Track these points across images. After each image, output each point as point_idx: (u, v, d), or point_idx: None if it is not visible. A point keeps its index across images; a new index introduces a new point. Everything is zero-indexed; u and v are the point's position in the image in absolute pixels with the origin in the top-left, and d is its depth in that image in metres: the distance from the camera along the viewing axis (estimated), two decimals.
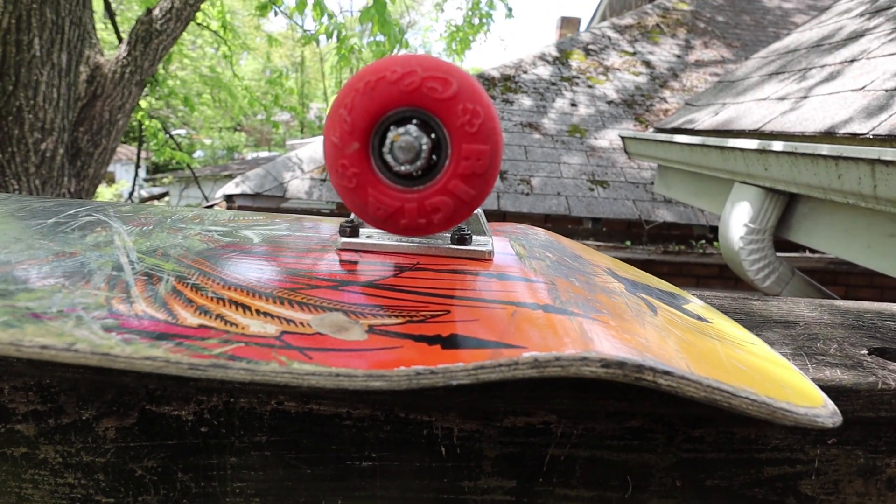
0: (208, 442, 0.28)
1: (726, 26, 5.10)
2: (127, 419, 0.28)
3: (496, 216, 3.01)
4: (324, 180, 3.07)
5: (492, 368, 0.21)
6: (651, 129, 2.55)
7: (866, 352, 0.38)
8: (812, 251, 2.84)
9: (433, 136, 0.22)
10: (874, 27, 1.72)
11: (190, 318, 0.23)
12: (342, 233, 0.35)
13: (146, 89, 2.63)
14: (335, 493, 0.29)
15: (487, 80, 4.11)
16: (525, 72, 4.29)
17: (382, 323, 0.24)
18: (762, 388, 0.24)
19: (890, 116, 1.13)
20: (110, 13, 2.88)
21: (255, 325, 0.22)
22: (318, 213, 2.90)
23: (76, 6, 1.87)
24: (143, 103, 3.76)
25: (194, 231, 0.35)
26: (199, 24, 3.53)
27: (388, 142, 0.22)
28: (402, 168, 0.22)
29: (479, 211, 0.36)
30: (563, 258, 0.37)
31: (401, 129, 0.22)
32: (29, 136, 1.81)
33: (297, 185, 3.02)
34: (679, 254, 2.98)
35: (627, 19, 5.06)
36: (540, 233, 0.44)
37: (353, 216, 0.33)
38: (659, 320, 0.30)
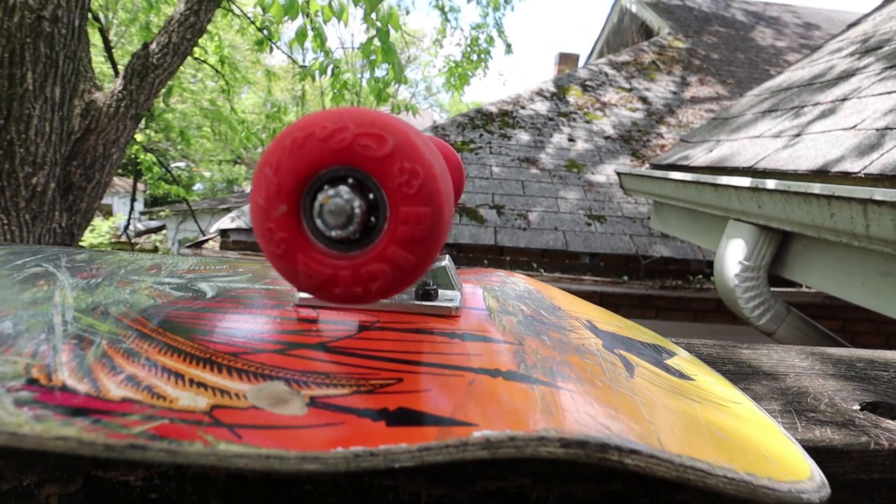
0: None
1: (721, 63, 5.17)
2: (71, 485, 0.26)
3: (494, 251, 3.01)
4: None
5: (438, 450, 0.20)
6: (647, 165, 2.56)
7: (858, 407, 0.37)
8: (808, 287, 2.83)
9: (371, 196, 0.20)
10: (864, 66, 1.74)
11: (114, 390, 0.21)
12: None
13: (142, 122, 2.65)
14: None
15: (485, 116, 4.15)
16: (523, 107, 4.33)
17: (326, 394, 0.23)
18: (742, 462, 0.23)
19: (882, 155, 1.13)
20: (108, 47, 2.91)
21: (185, 398, 0.20)
22: None
23: (71, 40, 1.89)
24: (139, 136, 3.79)
25: (145, 284, 0.34)
26: (196, 59, 3.57)
27: (317, 205, 0.20)
28: (334, 233, 0.20)
29: (447, 263, 0.35)
30: (539, 311, 0.36)
31: (331, 192, 0.20)
32: (20, 171, 1.81)
33: None
34: (676, 289, 2.97)
35: (624, 56, 5.14)
36: (520, 281, 0.42)
37: None
38: (635, 383, 0.28)
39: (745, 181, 1.34)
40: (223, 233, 2.98)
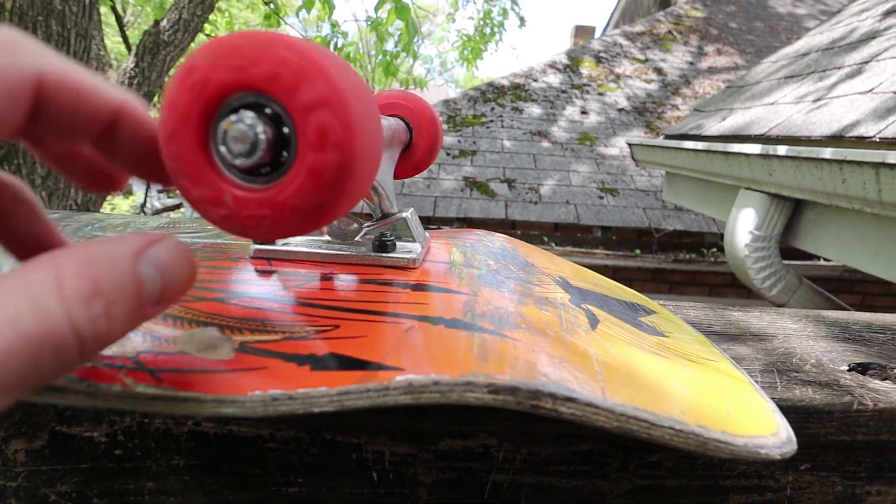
0: (123, 465, 0.26)
1: (739, 32, 5.05)
2: (37, 441, 0.26)
3: (505, 225, 2.99)
4: None
5: (358, 394, 0.19)
6: (661, 137, 2.52)
7: (846, 368, 0.35)
8: (826, 259, 2.79)
9: (286, 129, 0.19)
10: (885, 28, 1.68)
11: None
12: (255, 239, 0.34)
13: (155, 99, 2.66)
14: None
15: (497, 89, 4.11)
16: (535, 80, 4.28)
17: (258, 339, 0.22)
18: (696, 415, 0.22)
19: None
20: (120, 25, 2.91)
21: (114, 345, 0.20)
22: None
23: (82, 18, 1.89)
24: (153, 114, 3.80)
25: None
26: (207, 36, 3.56)
27: (220, 130, 0.19)
28: (238, 161, 0.19)
29: (407, 215, 0.35)
30: (508, 266, 0.35)
31: (233, 117, 0.19)
32: None
33: None
34: (690, 262, 2.94)
35: (639, 27, 5.03)
36: (497, 239, 0.42)
37: None
38: (595, 335, 0.27)
39: (755, 148, 1.31)
40: None
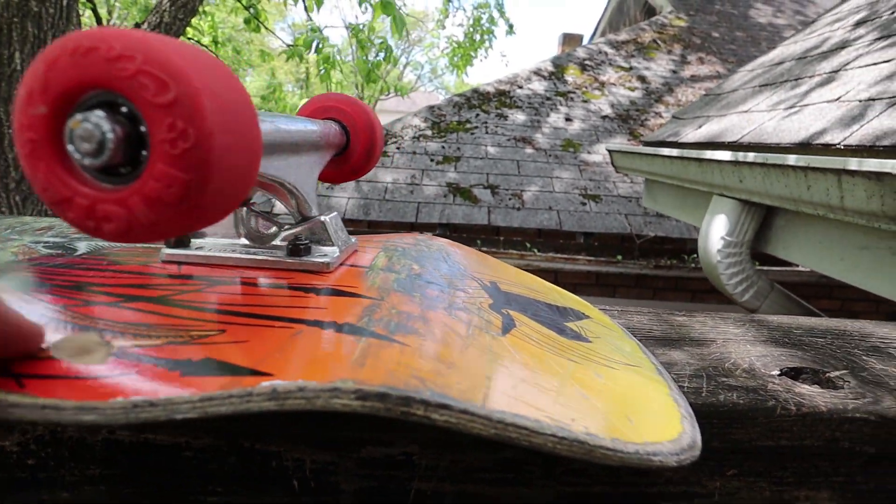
0: (37, 476, 0.26)
1: (722, 42, 5.10)
2: None
3: (488, 231, 3.00)
4: None
5: (221, 400, 0.19)
6: (641, 144, 2.54)
7: (778, 372, 0.35)
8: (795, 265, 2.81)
9: (143, 128, 0.18)
10: (855, 39, 1.71)
11: None
12: (166, 242, 0.33)
13: None
14: None
15: (482, 96, 4.12)
16: (520, 87, 4.30)
17: (136, 344, 0.22)
18: (589, 422, 0.22)
19: (861, 126, 1.12)
20: (100, 26, 2.89)
21: None
22: None
23: (59, 20, 1.88)
24: None
25: (18, 243, 0.34)
26: (189, 39, 3.55)
27: (67, 127, 0.19)
28: (87, 161, 0.19)
29: (326, 219, 0.35)
30: (433, 270, 0.35)
31: (79, 116, 0.19)
32: (9, 152, 1.80)
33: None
34: (671, 268, 2.96)
35: (623, 35, 5.07)
36: (435, 244, 0.42)
37: None
38: (502, 341, 0.27)
39: (726, 155, 1.32)
40: None
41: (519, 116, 3.96)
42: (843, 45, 1.72)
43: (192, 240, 0.34)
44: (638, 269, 2.95)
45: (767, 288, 1.46)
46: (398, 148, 3.52)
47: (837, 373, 0.35)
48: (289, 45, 2.70)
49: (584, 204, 3.19)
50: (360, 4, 2.31)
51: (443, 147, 3.58)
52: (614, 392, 0.26)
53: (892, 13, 1.70)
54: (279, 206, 0.37)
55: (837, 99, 1.33)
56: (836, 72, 1.53)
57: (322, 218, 0.35)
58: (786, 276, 2.80)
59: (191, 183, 0.18)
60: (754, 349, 0.39)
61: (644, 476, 0.30)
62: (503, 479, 0.28)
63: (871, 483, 0.32)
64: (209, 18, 3.43)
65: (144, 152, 0.19)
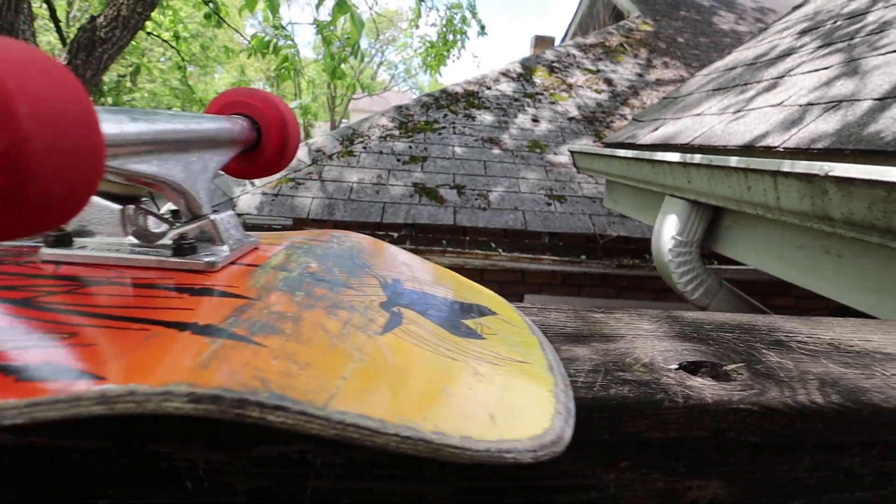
0: None
1: (686, 47, 5.21)
2: None
3: (453, 231, 3.02)
4: (276, 195, 3.05)
5: (48, 406, 0.19)
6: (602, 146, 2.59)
7: (676, 366, 0.36)
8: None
9: None
10: (800, 46, 1.77)
11: None
12: (46, 242, 0.32)
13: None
14: None
15: (450, 96, 4.14)
16: (489, 88, 4.33)
17: None
18: (440, 421, 0.22)
19: (800, 130, 1.16)
20: (54, 19, 2.83)
21: None
22: (270, 228, 2.88)
23: (7, 12, 1.84)
24: None
25: None
26: (149, 34, 3.48)
27: None
28: None
29: (216, 217, 0.34)
30: (332, 269, 0.35)
31: None
32: None
33: (248, 200, 2.98)
34: (634, 268, 3.01)
35: (591, 38, 5.14)
36: (348, 240, 0.41)
37: None
38: (378, 340, 0.28)
39: (675, 156, 1.36)
40: (174, 213, 2.93)
41: (487, 117, 3.99)
42: (789, 53, 1.79)
43: (77, 239, 0.34)
44: (601, 268, 3.00)
45: (717, 286, 1.50)
46: (365, 147, 3.52)
47: (734, 366, 0.37)
48: (249, 44, 2.69)
49: (549, 204, 3.23)
50: (316, 9, 2.31)
51: (410, 147, 3.59)
52: (486, 390, 0.26)
53: (834, 23, 1.77)
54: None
55: (780, 104, 1.38)
56: (780, 77, 1.59)
57: (212, 217, 0.34)
58: (744, 274, 2.87)
59: (7, 188, 0.18)
60: (661, 344, 0.40)
61: (538, 469, 0.30)
62: (400, 475, 0.29)
63: (758, 472, 0.33)
64: (171, 13, 3.37)
65: None
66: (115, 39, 2.14)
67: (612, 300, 3.20)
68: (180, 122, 0.32)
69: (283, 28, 2.41)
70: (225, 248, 0.34)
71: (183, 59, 3.70)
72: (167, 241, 0.33)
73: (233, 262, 0.34)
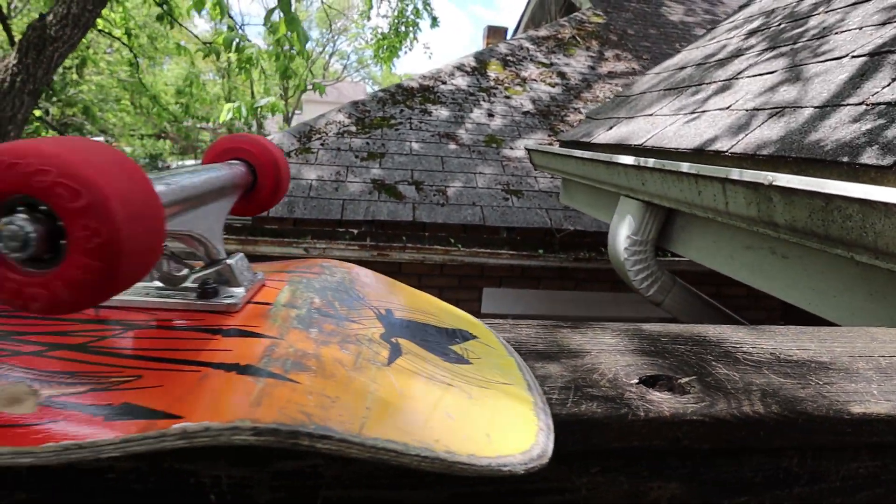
0: None
1: (636, 39, 5.31)
2: None
3: (413, 227, 3.03)
4: None
5: (138, 441, 0.22)
6: (557, 144, 2.63)
7: (637, 380, 0.39)
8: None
9: (60, 223, 0.22)
10: (748, 48, 1.84)
11: None
12: None
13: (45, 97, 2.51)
14: None
15: (406, 91, 4.14)
16: (444, 82, 4.34)
17: (62, 392, 0.25)
18: (450, 441, 0.25)
19: (746, 136, 1.22)
20: (1, 16, 2.72)
21: None
22: (229, 227, 2.83)
23: None
24: (55, 111, 3.59)
25: None
26: (100, 31, 3.38)
27: None
28: (14, 255, 0.23)
29: (232, 261, 0.37)
30: (333, 303, 0.38)
31: (5, 219, 0.22)
32: None
33: None
34: (590, 261, 3.08)
35: (544, 31, 5.20)
36: (339, 271, 0.44)
37: None
38: (386, 371, 0.31)
39: (630, 159, 1.41)
40: None
41: (443, 112, 4.00)
42: (737, 54, 1.85)
43: None
44: (559, 262, 3.06)
45: (670, 283, 1.57)
46: (322, 144, 3.49)
47: (687, 379, 0.40)
48: (205, 44, 2.63)
49: (506, 199, 3.27)
50: (265, 23, 2.30)
51: (367, 143, 3.58)
52: (479, 412, 0.30)
53: (780, 25, 1.84)
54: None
55: (728, 107, 1.44)
56: (729, 80, 1.65)
57: (228, 261, 0.37)
58: (699, 265, 2.97)
59: (105, 268, 0.22)
60: (623, 359, 0.43)
61: (519, 477, 0.34)
62: (401, 483, 0.32)
63: (710, 473, 0.37)
64: (121, 9, 3.28)
65: (62, 241, 0.23)
66: (66, 37, 2.08)
67: (570, 291, 3.28)
68: (197, 176, 0.35)
69: (237, 29, 2.38)
70: (241, 289, 0.37)
71: (136, 56, 3.61)
72: (189, 283, 0.36)
73: (248, 302, 0.37)
